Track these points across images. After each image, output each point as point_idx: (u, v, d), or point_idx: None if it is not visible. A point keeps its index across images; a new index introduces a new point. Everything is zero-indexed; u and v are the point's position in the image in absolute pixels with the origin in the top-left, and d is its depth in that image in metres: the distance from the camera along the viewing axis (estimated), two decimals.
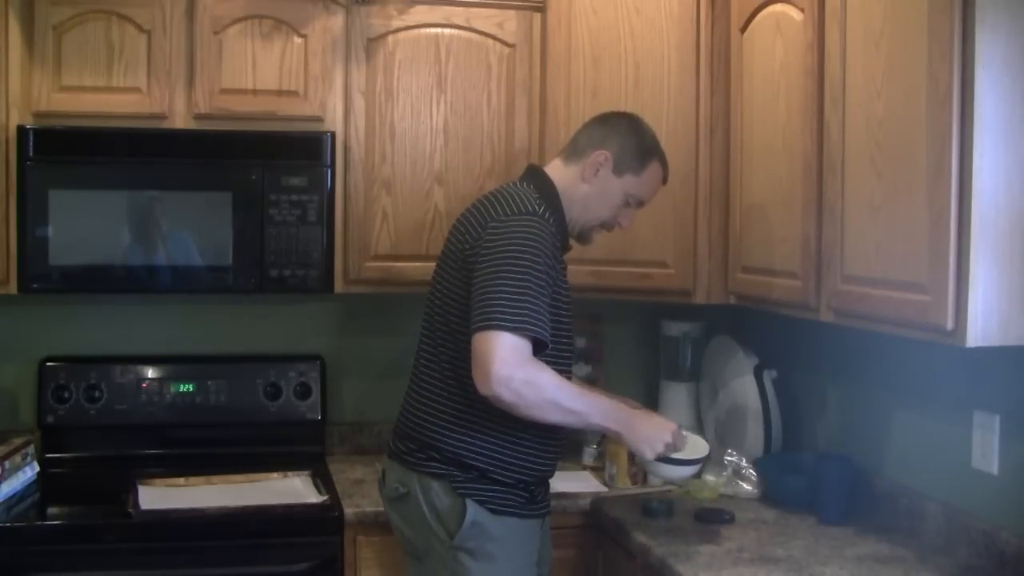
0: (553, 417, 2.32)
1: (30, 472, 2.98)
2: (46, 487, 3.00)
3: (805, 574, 2.28)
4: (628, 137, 2.54)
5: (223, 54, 3.00)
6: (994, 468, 2.35)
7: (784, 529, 2.61)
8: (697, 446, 2.54)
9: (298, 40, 3.05)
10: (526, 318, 2.24)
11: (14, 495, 2.85)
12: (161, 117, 2.98)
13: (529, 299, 2.25)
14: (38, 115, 2.92)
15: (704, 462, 2.57)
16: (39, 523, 2.76)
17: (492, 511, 2.38)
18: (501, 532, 2.39)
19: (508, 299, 2.24)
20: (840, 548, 2.45)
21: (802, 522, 2.66)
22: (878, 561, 2.36)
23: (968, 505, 2.41)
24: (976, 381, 2.40)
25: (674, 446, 2.42)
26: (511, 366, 2.21)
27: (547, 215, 2.41)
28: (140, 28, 2.95)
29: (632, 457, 2.96)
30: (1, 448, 2.90)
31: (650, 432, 2.40)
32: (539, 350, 2.28)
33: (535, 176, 2.55)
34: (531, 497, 2.46)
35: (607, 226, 2.60)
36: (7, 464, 2.85)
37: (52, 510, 2.92)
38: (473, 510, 2.36)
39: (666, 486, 2.97)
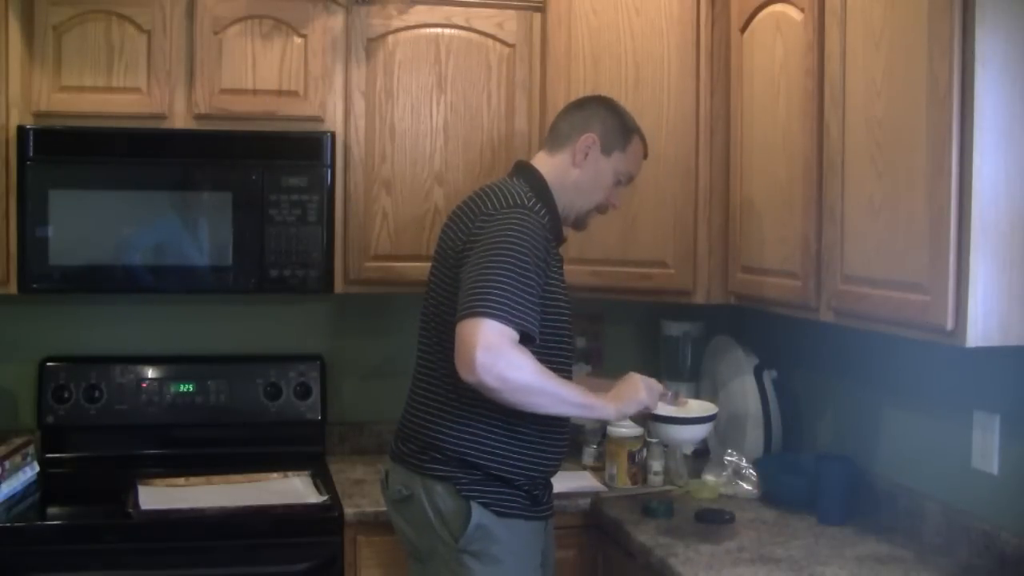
0: (539, 402, 2.26)
1: (30, 472, 2.98)
2: (46, 487, 3.00)
3: (805, 574, 2.28)
4: (609, 117, 2.58)
5: (223, 54, 3.00)
6: (994, 468, 2.35)
7: (784, 529, 2.61)
8: (704, 407, 2.63)
9: (298, 40, 3.05)
10: (514, 308, 2.19)
11: (14, 495, 2.85)
12: (161, 117, 2.98)
13: (518, 290, 2.20)
14: (38, 115, 2.92)
15: (712, 421, 2.59)
16: (39, 523, 2.76)
17: (497, 513, 2.37)
18: (506, 535, 2.38)
19: (496, 288, 2.19)
20: (840, 548, 2.45)
21: (802, 522, 2.66)
22: (878, 561, 2.36)
23: (968, 505, 2.41)
24: (976, 381, 2.40)
25: (659, 396, 2.46)
26: (494, 351, 2.15)
27: (538, 208, 2.40)
28: (140, 28, 2.95)
29: (632, 456, 2.97)
30: (1, 448, 2.90)
31: (635, 393, 2.42)
32: (526, 344, 2.23)
33: (523, 170, 2.55)
34: (535, 499, 2.44)
35: (601, 209, 2.62)
36: (7, 464, 2.85)
37: (52, 510, 2.92)
38: (478, 513, 2.35)
39: (666, 486, 2.98)
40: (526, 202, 2.38)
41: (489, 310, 2.17)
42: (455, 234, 2.41)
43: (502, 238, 2.27)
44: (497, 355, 2.15)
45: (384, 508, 2.64)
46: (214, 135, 2.99)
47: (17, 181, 2.89)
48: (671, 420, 2.53)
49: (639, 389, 2.42)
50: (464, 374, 2.18)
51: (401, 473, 2.47)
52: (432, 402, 2.43)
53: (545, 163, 2.55)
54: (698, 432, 2.59)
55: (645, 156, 2.67)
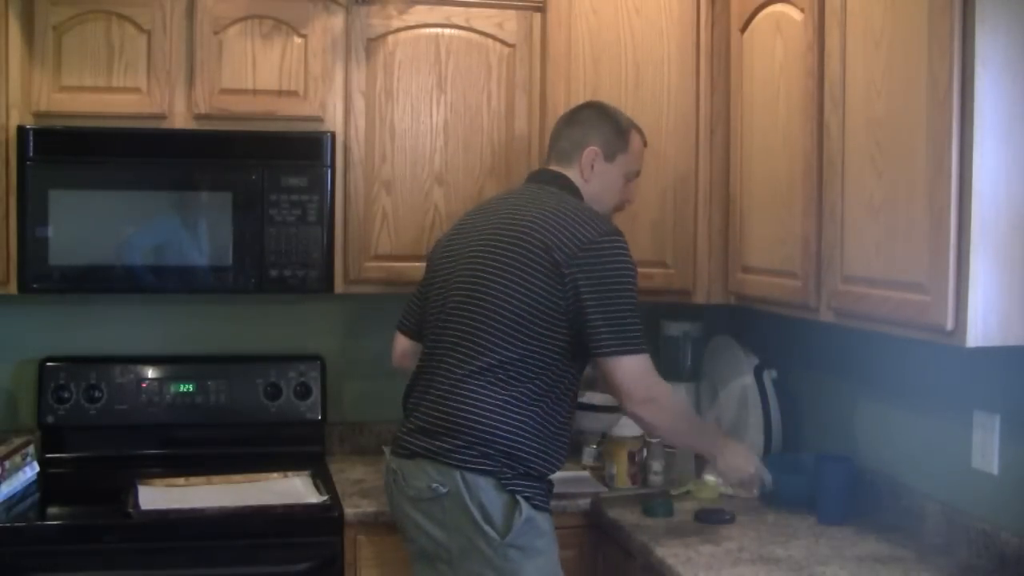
0: (674, 436, 2.68)
1: (30, 472, 2.98)
2: (46, 487, 3.00)
3: (805, 574, 2.28)
4: (603, 123, 2.66)
5: (223, 54, 3.00)
6: (994, 468, 2.35)
7: (784, 529, 2.61)
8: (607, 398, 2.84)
9: (298, 40, 3.05)
10: (642, 335, 2.45)
11: (14, 495, 2.85)
12: (161, 117, 2.98)
13: (638, 316, 2.45)
14: (38, 115, 2.92)
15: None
16: (39, 523, 2.76)
17: (535, 507, 2.41)
18: (545, 526, 2.44)
19: (634, 320, 2.43)
20: (840, 548, 2.45)
21: (802, 522, 2.66)
22: (878, 561, 2.36)
23: (968, 505, 2.41)
24: (976, 381, 2.40)
25: (754, 479, 2.67)
26: (664, 399, 2.48)
27: None
28: (140, 28, 2.95)
29: (632, 456, 2.97)
30: (1, 448, 2.90)
31: (739, 463, 2.64)
32: None
33: (567, 184, 2.61)
34: (551, 493, 2.52)
35: (619, 208, 2.73)
36: (7, 464, 2.85)
37: (52, 510, 2.92)
38: (526, 507, 2.39)
39: (666, 486, 2.98)
40: (615, 225, 2.52)
41: (641, 344, 2.43)
42: (552, 247, 2.41)
43: (624, 268, 2.45)
44: (664, 404, 2.48)
45: (385, 508, 2.64)
46: (214, 135, 2.99)
47: (17, 181, 2.89)
48: (590, 408, 2.77)
49: (749, 463, 2.66)
50: (635, 408, 2.45)
51: (430, 470, 2.42)
52: (489, 401, 2.41)
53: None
54: (605, 421, 2.80)
55: (645, 144, 2.77)
